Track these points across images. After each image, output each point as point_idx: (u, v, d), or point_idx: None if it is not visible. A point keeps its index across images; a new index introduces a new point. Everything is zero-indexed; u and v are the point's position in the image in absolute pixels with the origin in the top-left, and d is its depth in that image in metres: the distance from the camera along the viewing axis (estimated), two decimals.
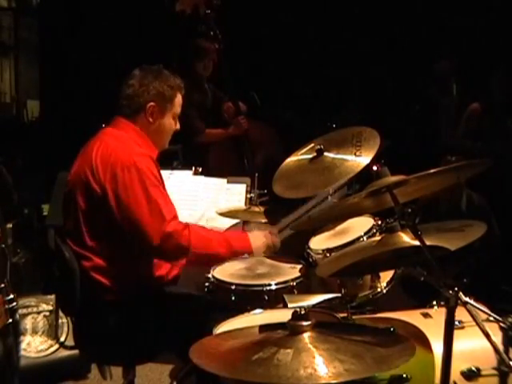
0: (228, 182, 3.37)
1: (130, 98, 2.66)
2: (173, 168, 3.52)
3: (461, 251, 1.93)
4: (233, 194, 3.36)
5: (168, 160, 3.84)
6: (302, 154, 2.81)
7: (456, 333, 1.79)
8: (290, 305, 2.41)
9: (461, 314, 1.82)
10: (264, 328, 1.71)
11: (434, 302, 2.47)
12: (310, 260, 2.86)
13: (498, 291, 4.12)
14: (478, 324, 1.82)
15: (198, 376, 2.54)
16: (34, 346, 3.48)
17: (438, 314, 2.31)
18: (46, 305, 3.58)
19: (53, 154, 6.00)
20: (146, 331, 2.53)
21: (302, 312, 1.61)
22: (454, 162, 3.77)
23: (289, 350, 1.52)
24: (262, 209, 3.18)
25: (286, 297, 2.49)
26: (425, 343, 2.13)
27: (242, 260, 3.10)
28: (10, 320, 2.58)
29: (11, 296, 2.59)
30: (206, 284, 2.84)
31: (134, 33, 6.58)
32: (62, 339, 3.47)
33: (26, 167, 5.95)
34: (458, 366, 2.06)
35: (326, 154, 2.70)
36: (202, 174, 3.40)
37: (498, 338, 1.84)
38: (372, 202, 2.02)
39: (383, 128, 2.76)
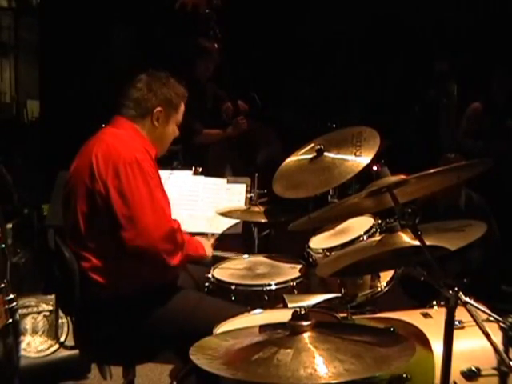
0: (228, 182, 3.37)
1: (137, 102, 2.66)
2: (173, 168, 3.52)
3: (461, 251, 1.93)
4: (233, 193, 3.36)
5: (168, 160, 3.84)
6: (302, 154, 2.81)
7: (456, 333, 1.79)
8: (289, 305, 2.42)
9: (461, 314, 1.82)
10: (264, 328, 1.71)
11: (434, 302, 2.47)
12: (310, 260, 2.86)
13: (497, 291, 4.12)
14: (477, 324, 1.82)
15: (197, 376, 2.54)
16: (34, 346, 3.48)
17: (438, 314, 2.31)
18: (46, 305, 3.58)
19: (53, 153, 6.00)
20: (146, 331, 2.53)
21: (302, 312, 1.61)
22: (453, 160, 3.78)
23: (289, 350, 1.52)
24: (261, 209, 3.18)
25: (286, 297, 2.49)
26: (425, 343, 2.13)
27: (241, 260, 3.11)
28: (10, 320, 2.58)
29: (11, 296, 2.60)
30: (206, 284, 2.85)
31: (134, 32, 6.59)
32: (62, 339, 3.47)
33: (25, 167, 5.95)
34: (457, 366, 2.06)
35: (325, 153, 2.70)
36: (201, 174, 3.40)
37: (497, 338, 1.84)
38: (372, 202, 2.02)
39: (383, 128, 2.77)
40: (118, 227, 2.46)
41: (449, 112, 5.76)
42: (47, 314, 3.57)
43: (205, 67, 4.76)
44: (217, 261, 3.02)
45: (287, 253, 3.15)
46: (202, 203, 3.30)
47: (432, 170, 1.81)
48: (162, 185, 2.64)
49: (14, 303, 2.61)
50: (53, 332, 3.49)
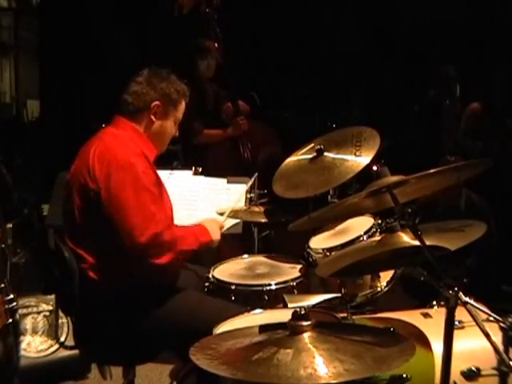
0: (228, 182, 3.37)
1: (136, 95, 2.67)
2: (173, 168, 3.51)
3: (460, 251, 1.93)
4: (233, 193, 3.36)
5: (168, 160, 3.83)
6: (302, 154, 2.81)
7: (456, 333, 1.79)
8: (290, 305, 2.42)
9: (461, 314, 1.82)
10: (264, 328, 1.71)
11: (434, 302, 2.47)
12: (310, 260, 2.86)
13: (498, 291, 4.12)
14: (477, 324, 1.82)
15: (198, 376, 2.54)
16: (34, 346, 3.48)
17: (438, 314, 2.31)
18: (46, 305, 3.58)
19: (53, 154, 6.00)
20: (146, 331, 2.53)
21: (302, 312, 1.61)
22: (454, 163, 3.78)
23: (289, 350, 1.52)
24: (262, 209, 3.18)
25: (285, 297, 2.49)
26: (425, 343, 2.13)
27: (241, 260, 3.11)
28: (10, 320, 2.58)
29: (11, 296, 2.59)
30: (206, 284, 2.84)
31: (134, 32, 6.59)
32: (62, 339, 3.47)
33: (25, 167, 5.95)
34: (457, 366, 2.06)
35: (325, 153, 2.70)
36: (202, 174, 3.40)
37: (498, 338, 1.85)
38: (372, 202, 2.02)
39: (383, 128, 2.77)
40: (109, 229, 2.47)
41: (452, 113, 5.76)
42: (47, 313, 3.57)
43: (205, 67, 4.75)
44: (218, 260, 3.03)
45: (287, 253, 3.15)
46: (201, 203, 3.30)
47: (432, 170, 1.81)
48: (158, 187, 2.62)
49: (14, 303, 2.61)
50: (53, 332, 3.49)
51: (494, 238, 4.07)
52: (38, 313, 3.56)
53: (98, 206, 2.50)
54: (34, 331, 3.51)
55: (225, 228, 2.94)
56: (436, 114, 5.82)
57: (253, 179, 3.19)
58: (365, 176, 2.67)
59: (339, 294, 2.54)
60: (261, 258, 3.12)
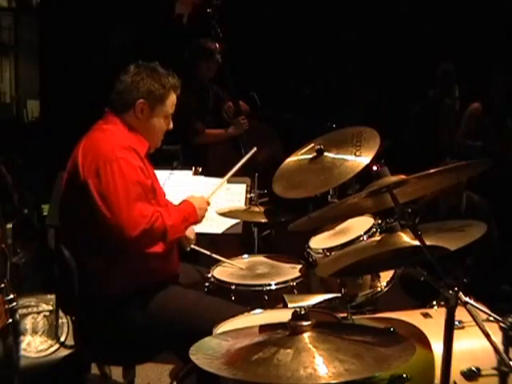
0: (228, 182, 3.37)
1: (120, 94, 2.66)
2: (173, 168, 3.51)
3: (460, 251, 1.93)
4: (233, 193, 3.36)
5: (168, 160, 3.84)
6: (302, 154, 2.81)
7: (456, 333, 1.79)
8: (290, 305, 2.42)
9: (461, 314, 1.82)
10: (264, 328, 1.71)
11: (434, 302, 2.47)
12: (310, 260, 2.86)
13: (497, 291, 4.12)
14: (477, 324, 1.82)
15: (198, 376, 2.54)
16: (34, 346, 3.48)
17: (438, 314, 2.31)
18: (46, 305, 3.58)
19: (53, 154, 5.99)
20: (146, 331, 2.53)
21: (302, 312, 1.61)
22: None
23: (289, 350, 1.52)
24: (262, 209, 3.18)
25: (285, 297, 2.49)
26: (425, 343, 2.13)
27: (241, 260, 3.11)
28: (10, 320, 2.58)
29: (11, 296, 2.59)
30: (206, 284, 2.85)
31: (134, 32, 6.58)
32: (62, 339, 3.46)
33: (25, 167, 5.95)
34: (457, 366, 2.06)
35: (326, 153, 2.70)
36: (201, 174, 3.40)
37: (497, 337, 1.84)
38: (372, 202, 2.02)
39: (383, 128, 2.76)
40: (100, 224, 2.46)
41: (451, 113, 5.76)
42: (47, 313, 3.56)
43: (206, 68, 4.75)
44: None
45: (287, 253, 3.15)
46: None
47: (432, 170, 1.81)
48: (148, 179, 2.58)
49: (14, 303, 2.60)
50: (53, 332, 3.49)
51: (494, 239, 4.07)
52: (38, 313, 3.56)
53: (88, 204, 2.48)
54: (34, 331, 3.51)
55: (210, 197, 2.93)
56: (436, 113, 5.82)
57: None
58: (365, 176, 2.67)
59: (339, 294, 2.54)
60: (261, 258, 3.12)
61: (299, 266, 2.92)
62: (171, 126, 2.77)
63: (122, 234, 2.43)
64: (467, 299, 1.83)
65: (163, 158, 2.85)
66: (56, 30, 6.55)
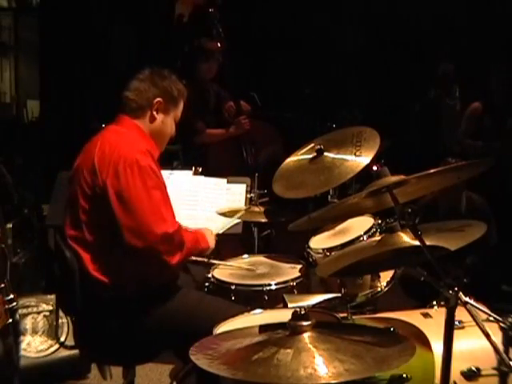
0: (228, 182, 3.37)
1: (138, 91, 2.69)
2: (173, 168, 3.52)
3: (460, 251, 1.93)
4: (233, 193, 3.36)
5: (168, 160, 3.83)
6: (302, 154, 2.80)
7: (456, 333, 1.79)
8: (290, 305, 2.41)
9: (461, 314, 1.82)
10: (264, 328, 1.71)
11: (434, 302, 2.47)
12: (310, 260, 2.86)
13: (497, 291, 4.12)
14: (477, 324, 1.82)
15: (198, 376, 2.54)
16: (34, 346, 3.48)
17: (438, 314, 2.31)
18: (46, 305, 3.58)
19: (53, 154, 6.01)
20: (146, 331, 2.53)
21: (302, 312, 1.61)
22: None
23: (289, 350, 1.52)
24: (262, 209, 3.18)
25: (285, 297, 2.49)
26: (425, 343, 2.13)
27: (241, 260, 3.11)
28: (10, 320, 2.58)
29: (11, 296, 2.59)
30: (206, 284, 2.85)
31: (134, 32, 6.59)
32: (62, 339, 3.46)
33: (25, 167, 5.95)
34: (458, 366, 2.06)
35: (326, 153, 2.70)
36: (202, 174, 3.40)
37: (497, 338, 1.84)
38: (372, 202, 2.02)
39: (383, 128, 2.76)
40: (117, 226, 2.47)
41: (451, 113, 5.76)
42: (47, 313, 3.57)
43: (207, 68, 4.75)
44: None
45: (287, 253, 3.15)
46: (201, 203, 3.30)
47: (432, 170, 1.81)
48: (164, 185, 2.63)
49: (14, 303, 2.61)
50: (53, 332, 3.49)
51: (494, 239, 4.08)
52: (38, 313, 3.56)
53: (103, 205, 2.49)
54: (34, 331, 3.51)
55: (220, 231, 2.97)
56: (436, 113, 5.82)
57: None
58: (365, 176, 2.67)
59: (339, 294, 2.54)
60: (261, 258, 3.12)
61: (299, 266, 2.92)
62: (174, 131, 2.81)
63: (142, 236, 2.44)
64: (467, 299, 1.82)
65: (163, 158, 2.85)
66: (56, 30, 6.55)
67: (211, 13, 4.61)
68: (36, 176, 5.74)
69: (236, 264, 3.02)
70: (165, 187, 2.64)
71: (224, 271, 2.94)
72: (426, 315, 2.36)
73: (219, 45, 4.67)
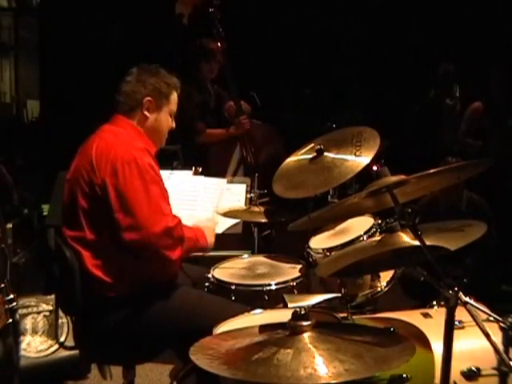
0: (228, 182, 3.37)
1: (126, 94, 2.70)
2: (173, 168, 3.52)
3: (460, 251, 1.93)
4: (233, 193, 3.36)
5: (168, 160, 3.83)
6: (302, 154, 2.80)
7: (456, 333, 1.79)
8: (290, 305, 2.41)
9: (461, 314, 1.82)
10: (264, 328, 1.71)
11: (434, 302, 2.47)
12: (310, 260, 2.86)
13: (498, 291, 4.12)
14: (477, 324, 1.82)
15: (198, 376, 2.54)
16: (34, 346, 3.48)
17: (438, 314, 2.31)
18: (46, 305, 3.58)
19: (53, 154, 6.01)
20: (146, 331, 2.53)
21: (302, 312, 1.61)
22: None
23: (289, 350, 1.52)
24: (262, 209, 3.18)
25: (285, 297, 2.49)
26: (425, 343, 2.13)
27: (241, 260, 3.11)
28: (10, 320, 2.58)
29: (11, 296, 2.59)
30: (206, 284, 2.84)
31: (135, 33, 6.59)
32: (62, 339, 3.46)
33: (25, 167, 5.96)
34: (457, 366, 2.06)
35: (326, 153, 2.69)
36: (202, 173, 3.40)
37: (497, 338, 1.84)
38: (372, 202, 2.02)
39: (383, 128, 2.76)
40: (117, 224, 2.47)
41: (452, 113, 5.76)
42: (47, 313, 3.57)
43: (208, 68, 4.75)
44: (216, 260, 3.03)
45: (287, 253, 3.15)
46: (201, 203, 3.30)
47: (432, 170, 1.81)
48: (162, 181, 2.64)
49: (14, 303, 2.60)
50: (53, 332, 3.49)
51: (494, 239, 4.08)
52: (38, 313, 3.56)
53: (102, 203, 2.50)
54: (34, 331, 3.51)
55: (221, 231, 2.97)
56: (436, 113, 5.82)
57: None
58: (365, 176, 2.67)
59: (339, 294, 2.54)
60: (261, 258, 3.12)
61: (299, 266, 2.91)
62: (174, 124, 2.81)
63: (142, 232, 2.45)
64: (467, 299, 1.82)
65: (163, 158, 2.85)
66: (56, 30, 6.56)
67: (211, 13, 4.61)
68: (36, 176, 5.74)
69: (226, 253, 3.03)
70: (163, 183, 2.64)
71: (224, 271, 2.94)
72: (426, 315, 2.36)
73: (219, 45, 4.67)
